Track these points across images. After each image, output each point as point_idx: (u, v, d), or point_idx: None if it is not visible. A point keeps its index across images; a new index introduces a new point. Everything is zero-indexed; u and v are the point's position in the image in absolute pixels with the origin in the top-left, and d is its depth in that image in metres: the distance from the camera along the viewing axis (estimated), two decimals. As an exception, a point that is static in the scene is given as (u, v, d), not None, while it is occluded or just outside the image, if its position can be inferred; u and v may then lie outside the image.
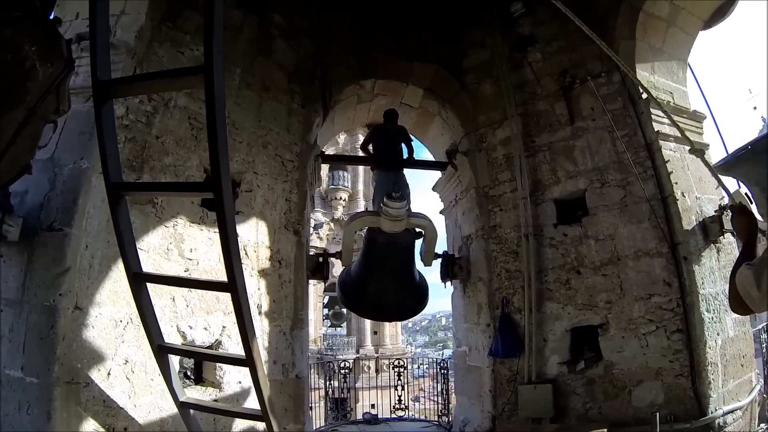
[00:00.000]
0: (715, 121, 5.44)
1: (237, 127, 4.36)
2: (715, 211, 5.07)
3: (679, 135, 5.18)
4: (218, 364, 3.86)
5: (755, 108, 20.22)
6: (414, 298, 5.81)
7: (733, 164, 4.59)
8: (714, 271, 4.91)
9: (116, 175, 2.44)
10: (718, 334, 4.68)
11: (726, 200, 5.02)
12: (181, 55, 3.87)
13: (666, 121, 5.23)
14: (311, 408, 6.35)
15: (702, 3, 5.41)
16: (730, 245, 5.24)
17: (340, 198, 25.32)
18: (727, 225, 4.97)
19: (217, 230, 2.39)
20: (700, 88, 6.21)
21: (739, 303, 1.79)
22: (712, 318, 4.67)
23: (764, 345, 7.27)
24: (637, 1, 5.13)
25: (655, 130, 5.06)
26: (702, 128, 5.68)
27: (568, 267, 5.28)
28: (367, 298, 5.98)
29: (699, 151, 2.08)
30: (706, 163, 2.08)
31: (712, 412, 4.38)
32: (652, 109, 5.11)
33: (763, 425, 5.04)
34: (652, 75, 5.45)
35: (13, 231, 2.97)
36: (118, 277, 3.17)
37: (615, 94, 5.34)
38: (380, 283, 5.78)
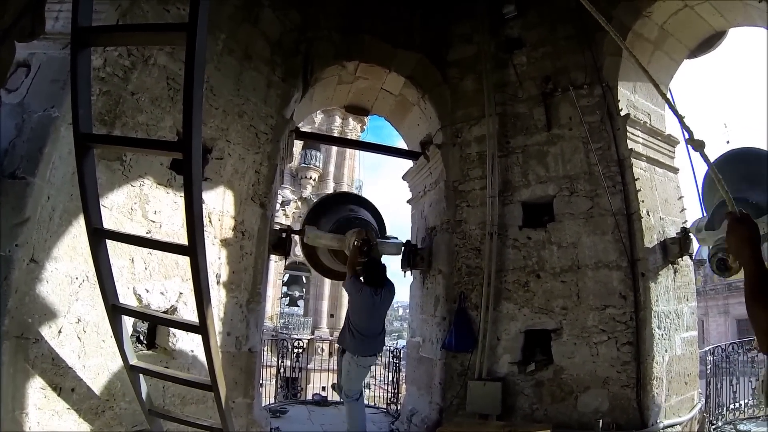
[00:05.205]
0: (687, 148, 5.58)
1: (215, 93, 4.28)
2: (677, 234, 5.23)
3: (652, 156, 5.41)
4: (172, 331, 3.80)
5: (728, 142, 21.13)
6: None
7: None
8: (669, 290, 5.07)
9: (86, 126, 2.37)
10: (666, 351, 4.85)
11: (689, 224, 5.19)
12: (166, 13, 3.76)
13: (640, 140, 5.36)
14: (262, 385, 6.32)
15: (690, 32, 5.53)
16: (687, 268, 5.42)
17: (311, 177, 25.42)
18: (688, 248, 5.15)
19: (183, 194, 2.35)
20: (676, 113, 6.34)
21: None
22: (662, 335, 4.83)
23: (709, 367, 7.53)
24: (627, 20, 5.20)
25: (629, 147, 5.17)
26: (674, 152, 5.85)
27: (529, 270, 5.37)
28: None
29: (698, 142, 2.05)
30: (705, 157, 2.06)
31: (653, 424, 4.54)
32: (628, 127, 5.22)
33: (700, 442, 5.25)
34: (632, 94, 5.56)
35: (-27, 176, 2.87)
36: (77, 232, 3.08)
37: (594, 107, 5.42)
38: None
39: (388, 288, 5.32)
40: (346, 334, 5.26)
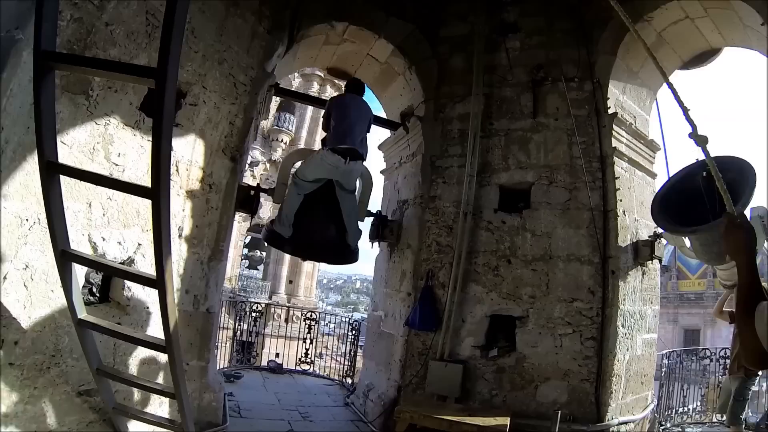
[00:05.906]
0: (666, 155, 5.63)
1: (196, 36, 4.00)
2: (649, 236, 5.28)
3: (634, 158, 5.41)
4: (127, 285, 3.58)
5: (698, 159, 22.42)
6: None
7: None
8: (636, 290, 5.13)
9: (49, 43, 2.12)
10: (627, 350, 4.91)
11: (660, 229, 5.21)
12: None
13: (624, 140, 5.35)
14: (217, 347, 6.12)
15: (686, 44, 5.55)
16: (654, 271, 5.53)
17: (282, 140, 25.05)
18: (658, 252, 5.20)
19: (150, 139, 2.14)
20: (660, 121, 6.37)
21: (760, 357, 1.42)
22: (626, 334, 4.89)
23: (663, 370, 7.73)
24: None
25: (613, 146, 5.17)
26: (654, 158, 5.91)
27: (500, 254, 5.31)
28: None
29: (702, 138, 1.98)
30: (707, 153, 1.98)
31: (608, 420, 4.62)
32: (614, 126, 5.20)
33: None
34: (621, 95, 5.56)
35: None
36: (32, 169, 2.80)
37: (582, 102, 5.37)
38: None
39: (367, 103, 5.46)
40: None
